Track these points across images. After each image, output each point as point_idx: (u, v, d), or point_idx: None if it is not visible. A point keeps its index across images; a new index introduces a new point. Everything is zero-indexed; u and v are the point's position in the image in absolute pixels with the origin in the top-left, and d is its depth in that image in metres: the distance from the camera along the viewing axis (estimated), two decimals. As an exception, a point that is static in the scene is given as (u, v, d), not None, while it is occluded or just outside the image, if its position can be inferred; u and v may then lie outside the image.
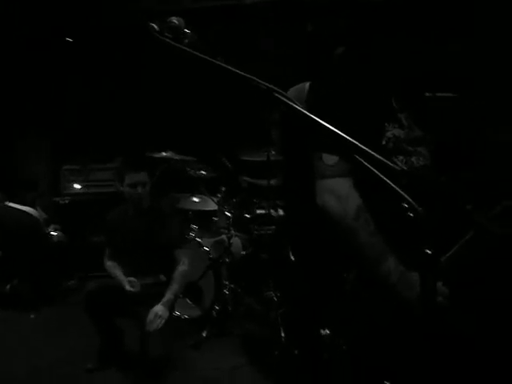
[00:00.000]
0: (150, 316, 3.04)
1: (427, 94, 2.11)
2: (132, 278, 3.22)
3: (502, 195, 1.66)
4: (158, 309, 3.08)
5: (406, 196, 0.86)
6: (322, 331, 3.14)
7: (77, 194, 5.42)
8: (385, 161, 0.89)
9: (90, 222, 5.06)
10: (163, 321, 3.06)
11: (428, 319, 0.92)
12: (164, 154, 4.33)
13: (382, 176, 0.90)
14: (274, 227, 4.18)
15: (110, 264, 3.42)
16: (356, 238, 1.52)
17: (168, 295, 3.17)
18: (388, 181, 0.89)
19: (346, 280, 1.66)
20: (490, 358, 1.85)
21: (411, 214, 0.85)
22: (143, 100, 5.69)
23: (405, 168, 1.65)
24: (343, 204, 1.55)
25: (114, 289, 3.23)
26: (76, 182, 5.44)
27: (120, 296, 3.20)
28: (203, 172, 4.52)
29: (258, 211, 4.40)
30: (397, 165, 1.62)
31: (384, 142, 1.61)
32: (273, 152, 4.01)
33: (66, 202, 5.36)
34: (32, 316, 4.32)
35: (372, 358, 1.61)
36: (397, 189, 0.87)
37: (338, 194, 1.56)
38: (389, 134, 1.61)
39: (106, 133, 5.78)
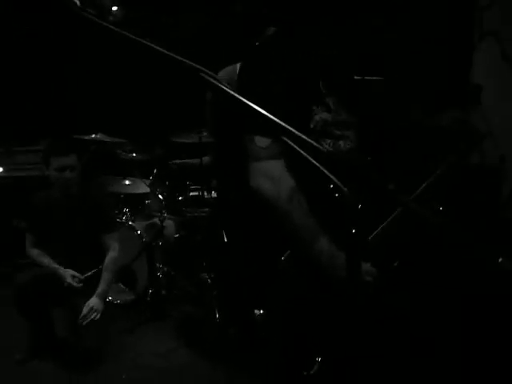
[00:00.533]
0: (85, 310, 2.97)
1: (356, 78, 2.16)
2: (74, 272, 3.10)
3: (424, 175, 1.74)
4: (93, 302, 3.01)
5: (331, 177, 0.88)
6: (256, 311, 3.18)
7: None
8: (312, 142, 0.90)
9: (14, 207, 4.83)
10: (98, 314, 3.00)
11: (355, 297, 0.95)
12: (94, 136, 4.20)
13: (309, 158, 0.91)
14: (207, 209, 4.17)
15: (35, 252, 3.26)
16: (289, 219, 1.54)
17: (102, 286, 3.10)
18: (315, 162, 0.90)
19: (279, 261, 1.68)
20: (418, 333, 1.95)
21: (337, 195, 0.87)
22: (72, 79, 5.47)
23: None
24: (276, 186, 1.55)
25: (46, 279, 3.09)
26: (-1, 165, 5.17)
27: (53, 287, 3.07)
28: (134, 154, 4.42)
29: (192, 193, 4.37)
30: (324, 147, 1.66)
31: (312, 126, 1.64)
32: (205, 134, 3.98)
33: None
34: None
35: (304, 336, 1.65)
36: (323, 170, 0.89)
37: (271, 176, 1.56)
38: (317, 118, 1.64)
39: (31, 113, 5.51)
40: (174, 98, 4.81)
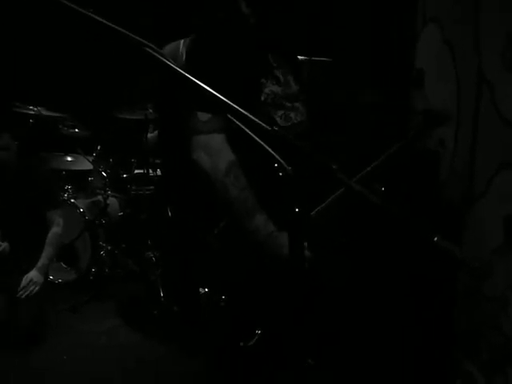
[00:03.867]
0: (24, 282, 2.91)
1: (301, 58, 2.17)
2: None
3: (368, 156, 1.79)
4: (32, 275, 2.95)
5: (275, 155, 0.88)
6: (200, 289, 3.19)
7: None
8: (256, 120, 0.89)
9: None
10: (37, 287, 2.94)
11: (298, 275, 0.97)
12: (33, 109, 4.03)
13: (253, 136, 0.91)
14: (152, 187, 4.12)
15: None
16: (226, 192, 1.56)
17: (42, 260, 3.03)
18: (259, 141, 0.90)
19: (215, 235, 1.70)
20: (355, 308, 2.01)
21: (281, 174, 0.87)
22: (6, 48, 5.20)
23: (285, 124, 1.71)
24: (214, 159, 1.57)
25: None
26: None
27: None
28: (77, 130, 4.29)
29: (136, 171, 4.30)
30: (275, 121, 1.68)
31: (263, 99, 1.65)
32: (150, 110, 3.91)
33: None
34: None
35: (244, 310, 1.67)
36: (267, 148, 0.89)
37: (210, 149, 1.57)
38: (267, 90, 1.65)
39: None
40: (119, 73, 4.67)
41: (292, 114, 1.72)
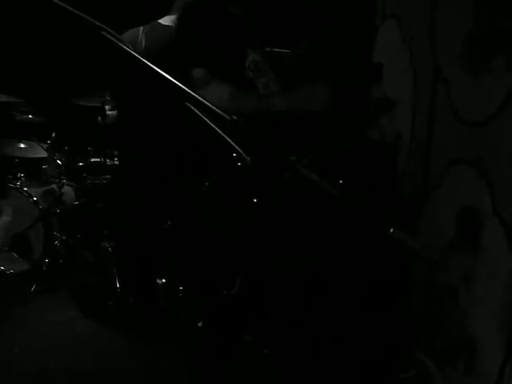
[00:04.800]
0: None
1: (267, 49, 2.20)
2: None
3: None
4: None
5: (234, 145, 0.88)
6: (158, 280, 3.18)
7: None
8: (216, 109, 0.89)
9: None
10: None
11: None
12: (-16, 94, 3.89)
13: (213, 126, 0.90)
14: (108, 176, 4.05)
15: None
16: None
17: None
18: (219, 130, 0.90)
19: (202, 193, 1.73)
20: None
21: (240, 164, 0.87)
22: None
23: (265, 92, 1.79)
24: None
25: None
26: None
27: None
28: (31, 116, 4.16)
29: (93, 159, 4.21)
30: (257, 88, 1.76)
31: (247, 65, 1.74)
32: (108, 97, 3.83)
33: None
34: None
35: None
36: (227, 138, 0.89)
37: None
38: (250, 58, 1.74)
39: None
40: (77, 58, 4.55)
41: (272, 85, 1.81)
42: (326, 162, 1.91)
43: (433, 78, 2.44)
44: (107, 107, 3.84)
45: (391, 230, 0.84)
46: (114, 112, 3.79)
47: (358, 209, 0.85)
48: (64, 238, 4.04)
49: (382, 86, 2.92)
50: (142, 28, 2.65)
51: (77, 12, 0.98)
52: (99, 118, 3.90)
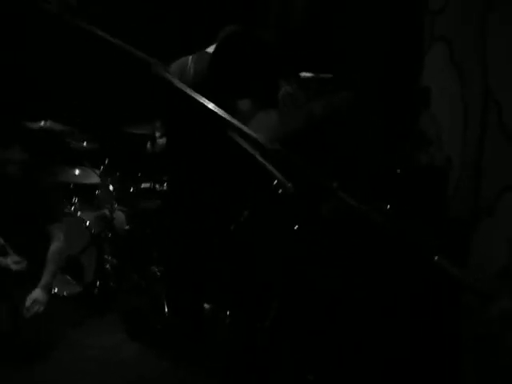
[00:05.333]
0: (28, 302, 2.89)
1: (308, 75, 2.22)
2: (15, 258, 2.98)
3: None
4: (36, 294, 2.93)
5: (276, 173, 0.89)
6: (205, 305, 3.19)
7: None
8: (257, 138, 0.90)
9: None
10: (42, 307, 2.93)
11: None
12: (42, 123, 4.08)
13: (255, 154, 0.91)
14: (158, 201, 4.13)
15: None
16: None
17: (45, 277, 3.02)
18: (260, 159, 0.91)
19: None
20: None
21: (281, 191, 0.87)
22: (16, 63, 5.27)
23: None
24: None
25: None
26: None
27: None
28: (85, 143, 4.32)
29: (143, 185, 4.31)
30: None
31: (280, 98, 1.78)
32: (158, 125, 3.93)
33: None
34: None
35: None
36: (268, 166, 0.89)
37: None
38: (283, 91, 1.77)
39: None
40: (127, 88, 4.71)
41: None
42: (374, 186, 1.90)
43: (483, 101, 2.39)
44: (157, 134, 3.94)
45: (436, 258, 0.82)
46: (163, 139, 3.89)
47: (402, 236, 0.84)
48: (115, 261, 4.13)
49: (430, 110, 2.87)
50: (191, 57, 2.73)
51: (127, 46, 1.02)
52: (149, 144, 4.01)
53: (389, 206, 2.07)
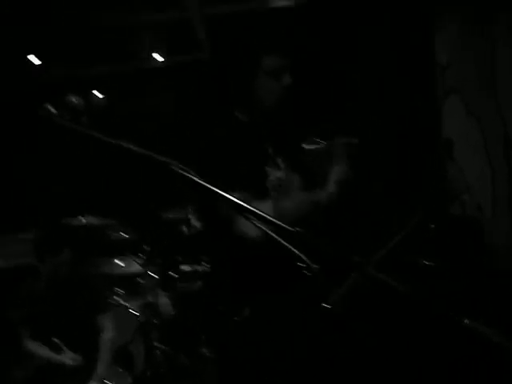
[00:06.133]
0: None
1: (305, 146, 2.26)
2: (71, 355, 3.03)
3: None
4: None
5: (301, 255, 0.92)
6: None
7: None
8: (278, 222, 0.95)
9: (5, 297, 4.77)
10: None
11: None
12: (83, 219, 4.25)
13: (277, 238, 0.96)
14: (200, 282, 4.17)
15: (32, 344, 3.17)
16: None
17: (100, 368, 3.05)
18: (284, 242, 0.95)
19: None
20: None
21: (307, 272, 0.91)
22: (54, 162, 5.60)
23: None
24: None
25: (44, 370, 3.04)
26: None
27: (53, 377, 3.03)
28: (124, 234, 4.46)
29: (184, 267, 4.37)
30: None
31: (270, 186, 1.74)
32: (190, 209, 4.04)
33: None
34: None
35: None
36: (291, 248, 0.93)
37: None
38: (272, 177, 1.76)
39: (13, 199, 5.60)
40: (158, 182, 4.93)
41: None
42: (409, 244, 1.89)
43: (505, 147, 2.40)
44: (191, 217, 4.04)
45: (465, 321, 0.83)
46: (197, 222, 3.99)
47: (429, 307, 0.85)
48: (164, 347, 4.13)
49: (455, 161, 2.89)
50: None
51: (146, 152, 1.11)
52: (184, 228, 4.11)
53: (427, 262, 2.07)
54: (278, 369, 1.72)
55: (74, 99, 1.29)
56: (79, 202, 4.72)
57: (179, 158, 1.14)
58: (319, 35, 4.07)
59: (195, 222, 4.04)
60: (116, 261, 4.50)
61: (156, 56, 5.87)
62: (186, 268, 4.33)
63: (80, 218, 4.25)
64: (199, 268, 4.23)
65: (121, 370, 3.94)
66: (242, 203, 0.96)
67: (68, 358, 3.04)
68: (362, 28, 3.98)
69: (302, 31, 4.08)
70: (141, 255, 4.39)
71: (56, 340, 3.13)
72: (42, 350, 3.14)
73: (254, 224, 0.98)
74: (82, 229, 4.30)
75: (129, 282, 4.47)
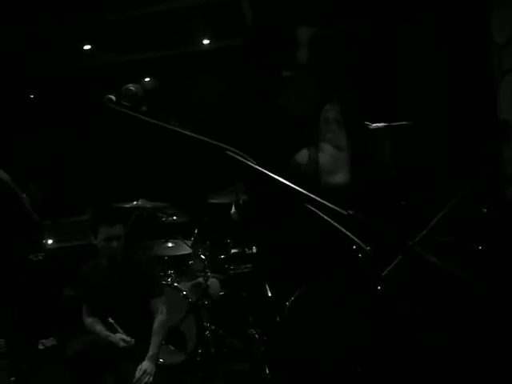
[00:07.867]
0: (138, 374, 3.04)
1: (379, 125, 2.25)
2: (123, 337, 3.17)
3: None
4: (145, 365, 3.08)
5: (354, 238, 0.94)
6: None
7: (50, 249, 5.36)
8: (332, 206, 0.96)
9: (66, 277, 4.99)
10: (151, 377, 3.06)
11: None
12: (135, 202, 4.36)
13: (332, 222, 0.98)
14: (249, 265, 4.23)
15: (90, 320, 3.35)
16: None
17: (152, 349, 3.16)
18: (338, 226, 0.97)
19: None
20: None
21: (360, 255, 0.92)
22: (108, 149, 5.76)
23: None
24: None
25: (99, 346, 3.18)
26: (48, 238, 5.39)
27: (104, 353, 3.16)
28: (175, 217, 4.56)
29: (233, 250, 4.45)
30: None
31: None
32: (240, 193, 4.09)
33: (40, 258, 5.29)
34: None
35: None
36: (345, 231, 0.95)
37: None
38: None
39: (74, 185, 5.81)
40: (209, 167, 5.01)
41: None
42: (463, 227, 1.87)
43: None
44: (240, 202, 4.10)
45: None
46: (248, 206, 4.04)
47: (487, 291, 0.85)
48: (213, 327, 4.23)
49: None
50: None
51: (204, 138, 1.14)
52: (234, 212, 4.17)
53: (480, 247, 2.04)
54: (324, 352, 1.74)
55: (132, 87, 1.34)
56: (133, 187, 4.85)
57: (227, 142, 1.17)
58: (370, 19, 4.01)
59: (245, 206, 4.09)
60: (167, 243, 4.62)
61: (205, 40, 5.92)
62: (235, 250, 4.40)
63: (133, 202, 4.37)
64: (248, 250, 4.28)
65: (173, 349, 4.08)
66: (297, 188, 0.98)
67: (121, 338, 3.16)
68: (414, 5, 3.89)
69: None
70: (192, 238, 4.49)
71: (111, 320, 3.26)
72: (96, 326, 3.29)
73: (307, 208, 1.00)
74: (134, 210, 4.43)
75: (180, 264, 4.59)
